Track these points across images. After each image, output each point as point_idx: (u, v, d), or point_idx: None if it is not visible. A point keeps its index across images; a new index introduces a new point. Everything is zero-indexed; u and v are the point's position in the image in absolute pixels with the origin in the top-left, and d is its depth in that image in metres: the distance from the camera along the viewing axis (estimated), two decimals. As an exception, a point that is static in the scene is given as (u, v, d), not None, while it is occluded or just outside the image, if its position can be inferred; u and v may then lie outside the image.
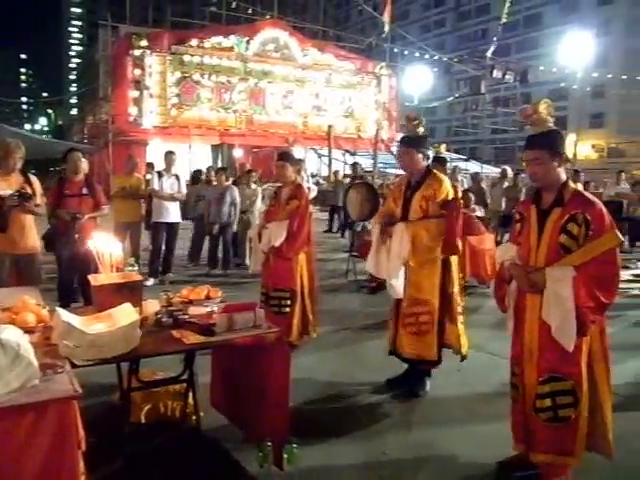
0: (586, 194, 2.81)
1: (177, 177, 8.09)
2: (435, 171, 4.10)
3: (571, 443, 2.73)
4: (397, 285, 4.05)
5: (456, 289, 4.10)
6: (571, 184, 2.80)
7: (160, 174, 8.04)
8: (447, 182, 4.01)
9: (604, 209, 2.68)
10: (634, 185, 12.00)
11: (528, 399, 2.83)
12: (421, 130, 4.13)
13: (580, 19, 41.37)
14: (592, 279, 2.60)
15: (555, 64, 29.38)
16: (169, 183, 7.97)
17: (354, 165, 13.64)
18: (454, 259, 4.08)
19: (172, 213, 8.02)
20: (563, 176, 2.80)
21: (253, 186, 9.01)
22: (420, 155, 3.99)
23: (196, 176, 10.94)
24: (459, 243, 4.03)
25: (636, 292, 7.63)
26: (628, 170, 19.43)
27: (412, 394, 4.07)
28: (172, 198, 7.95)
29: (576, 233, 2.65)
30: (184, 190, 8.31)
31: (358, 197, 8.11)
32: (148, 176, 8.87)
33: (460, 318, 4.09)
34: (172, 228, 8.08)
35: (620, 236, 2.70)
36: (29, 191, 4.93)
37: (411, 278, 4.01)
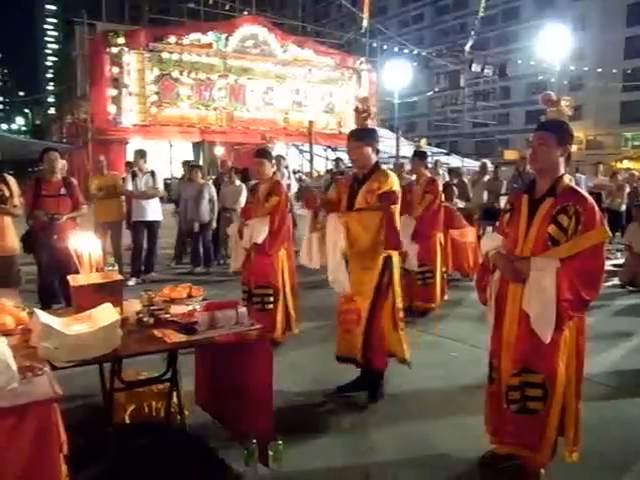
0: (579, 189, 2.81)
1: (152, 174, 8.02)
2: (384, 167, 3.97)
3: (536, 437, 2.73)
4: (342, 279, 3.78)
5: (398, 291, 3.85)
6: (566, 179, 2.79)
7: (134, 173, 7.97)
8: (394, 177, 3.84)
9: (596, 205, 2.68)
10: (612, 176, 12.16)
11: (502, 392, 2.84)
12: (370, 123, 4.00)
13: (557, 13, 41.76)
14: (576, 273, 2.59)
15: (533, 58, 29.67)
16: (144, 181, 7.90)
17: (336, 160, 13.65)
18: (397, 262, 3.85)
19: (150, 211, 7.94)
20: (562, 170, 2.78)
21: (237, 183, 8.97)
22: (370, 149, 3.82)
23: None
24: (399, 237, 3.85)
25: (616, 282, 7.74)
26: (606, 162, 19.66)
27: (371, 399, 3.90)
28: (146, 196, 7.88)
29: (566, 225, 2.64)
30: (160, 186, 8.22)
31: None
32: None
33: (401, 324, 3.88)
34: (152, 226, 8.01)
35: (609, 232, 2.71)
36: (6, 192, 4.86)
37: (350, 274, 3.81)
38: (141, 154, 8.14)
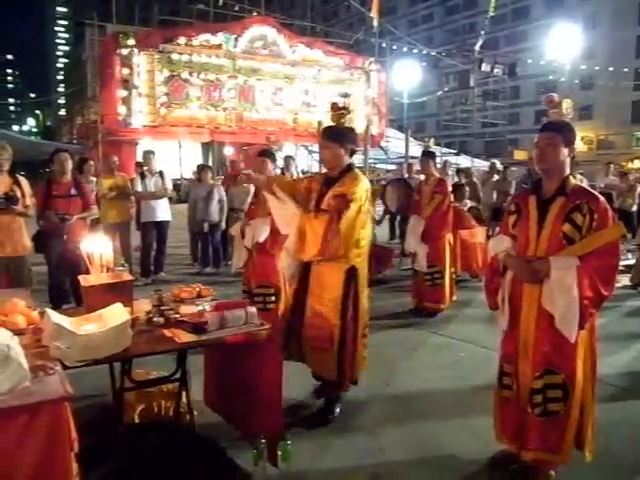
0: (588, 188, 2.81)
1: (161, 174, 8.06)
2: (356, 170, 3.62)
3: (556, 439, 2.72)
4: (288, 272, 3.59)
5: (364, 306, 3.59)
6: (572, 179, 2.78)
7: (143, 174, 8.02)
8: (363, 182, 3.50)
9: (606, 202, 2.68)
10: (623, 176, 12.07)
11: (523, 396, 2.80)
12: (347, 121, 3.61)
13: (567, 12, 41.52)
14: (595, 270, 2.59)
15: (543, 57, 29.50)
16: (153, 182, 7.94)
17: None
18: (363, 274, 3.56)
19: (159, 212, 7.98)
20: (568, 169, 2.78)
21: (245, 184, 8.96)
22: (342, 150, 3.51)
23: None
24: (339, 244, 3.40)
25: (627, 283, 7.68)
26: (617, 161, 19.52)
27: (321, 418, 3.62)
28: (155, 196, 7.91)
29: (580, 223, 2.64)
30: (169, 187, 8.28)
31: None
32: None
33: (364, 341, 3.65)
34: (161, 227, 8.05)
35: (623, 228, 2.70)
36: (18, 193, 4.90)
37: (313, 282, 3.54)
38: (150, 155, 8.18)
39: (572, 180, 2.78)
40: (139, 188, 7.89)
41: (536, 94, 44.58)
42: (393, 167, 17.35)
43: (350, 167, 3.59)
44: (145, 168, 8.14)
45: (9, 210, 4.83)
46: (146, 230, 8.05)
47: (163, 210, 8.04)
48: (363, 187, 3.47)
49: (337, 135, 3.57)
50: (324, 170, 3.79)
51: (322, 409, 3.70)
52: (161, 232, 8.06)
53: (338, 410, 3.67)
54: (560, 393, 2.70)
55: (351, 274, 3.47)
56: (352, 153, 3.60)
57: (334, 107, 3.66)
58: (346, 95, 3.90)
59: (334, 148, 3.52)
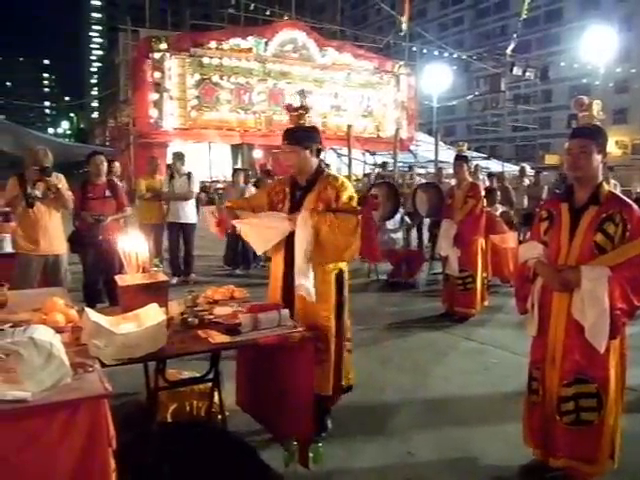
0: (622, 196, 2.76)
1: (189, 176, 8.13)
2: (329, 170, 3.50)
3: (592, 449, 2.68)
4: (307, 284, 3.17)
5: (346, 311, 3.42)
6: (605, 185, 2.74)
7: (171, 176, 8.12)
8: (345, 179, 3.39)
9: None
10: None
11: (549, 402, 2.78)
12: (307, 121, 3.36)
13: (601, 14, 40.79)
14: (626, 281, 2.55)
15: (577, 60, 29.04)
16: (179, 183, 8.02)
17: (383, 165, 13.62)
18: (346, 276, 3.40)
19: (184, 214, 8.02)
20: (600, 176, 2.74)
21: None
22: (307, 152, 3.28)
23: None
24: (377, 247, 3.46)
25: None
26: (653, 166, 19.09)
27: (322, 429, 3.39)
28: (178, 198, 7.98)
29: (612, 232, 2.60)
30: (196, 189, 8.34)
31: (380, 196, 8.07)
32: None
33: (348, 345, 3.46)
34: (186, 229, 8.09)
35: None
36: (58, 184, 5.01)
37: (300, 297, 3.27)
38: (179, 157, 8.28)
39: (605, 187, 2.73)
40: (166, 189, 8.00)
41: (569, 97, 43.59)
42: (422, 171, 17.23)
43: (321, 168, 3.40)
44: (173, 170, 8.24)
45: (50, 199, 4.93)
46: (170, 230, 8.14)
47: (188, 213, 8.06)
48: (352, 188, 3.36)
49: (299, 137, 3.31)
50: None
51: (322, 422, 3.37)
52: (186, 234, 8.10)
53: (330, 424, 3.46)
54: (594, 402, 2.66)
55: (340, 278, 3.34)
56: (318, 153, 3.38)
57: (289, 108, 3.39)
58: (302, 92, 3.74)
59: (298, 151, 3.28)
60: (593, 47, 22.87)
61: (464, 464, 3.18)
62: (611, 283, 2.53)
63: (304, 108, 3.37)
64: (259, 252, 3.68)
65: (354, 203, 3.25)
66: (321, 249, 3.15)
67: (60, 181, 5.09)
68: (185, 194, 8.02)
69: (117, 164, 8.51)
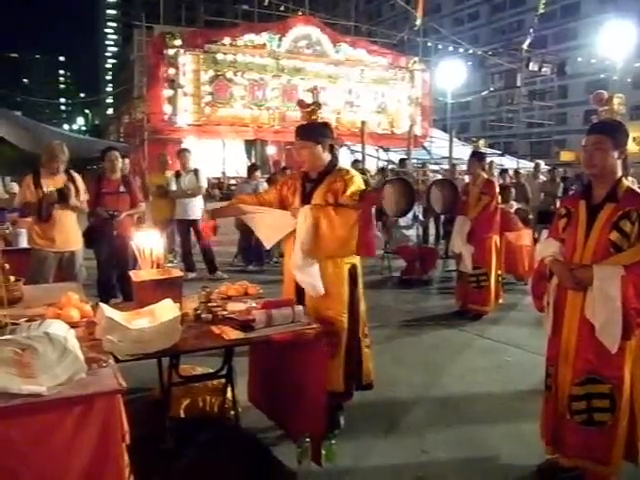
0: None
1: (196, 172, 8.10)
2: (340, 165, 3.48)
3: (605, 450, 2.64)
4: (312, 280, 3.20)
5: (363, 306, 3.43)
6: (625, 181, 2.68)
7: (178, 173, 8.10)
8: (358, 175, 3.38)
9: None
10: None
11: (561, 400, 2.75)
12: (319, 117, 3.42)
13: (619, 8, 40.16)
14: None
15: (594, 55, 28.71)
16: (187, 180, 8.00)
17: (402, 161, 13.51)
18: (360, 271, 3.41)
19: (192, 210, 7.93)
20: (619, 172, 2.67)
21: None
22: (319, 147, 3.30)
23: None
24: (374, 243, 3.42)
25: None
26: (671, 163, 18.79)
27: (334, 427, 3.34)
28: (186, 194, 7.95)
29: (628, 231, 2.54)
30: (204, 184, 8.30)
31: (394, 193, 8.02)
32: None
33: (366, 341, 3.47)
34: (196, 225, 7.91)
35: None
36: (72, 189, 5.04)
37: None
38: (185, 152, 8.27)
39: (624, 183, 2.67)
40: (173, 187, 7.98)
41: (586, 93, 43.29)
42: (436, 167, 17.10)
43: (334, 163, 3.41)
44: (180, 166, 8.21)
45: (63, 205, 4.97)
46: (180, 227, 8.13)
47: (197, 209, 7.88)
48: (360, 178, 3.37)
49: (311, 133, 3.35)
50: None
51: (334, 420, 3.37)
52: (196, 230, 7.92)
53: (343, 420, 3.44)
54: (607, 403, 2.63)
55: (353, 272, 3.34)
56: (331, 149, 3.40)
57: (302, 104, 3.44)
58: (314, 89, 3.78)
59: (310, 147, 3.31)
60: (611, 42, 22.53)
61: (478, 463, 3.15)
62: (624, 282, 2.48)
63: (316, 104, 3.41)
64: (267, 246, 3.72)
65: (356, 197, 3.23)
66: (322, 243, 3.16)
67: (77, 183, 5.13)
68: (194, 190, 8.00)
69: (127, 160, 8.52)
